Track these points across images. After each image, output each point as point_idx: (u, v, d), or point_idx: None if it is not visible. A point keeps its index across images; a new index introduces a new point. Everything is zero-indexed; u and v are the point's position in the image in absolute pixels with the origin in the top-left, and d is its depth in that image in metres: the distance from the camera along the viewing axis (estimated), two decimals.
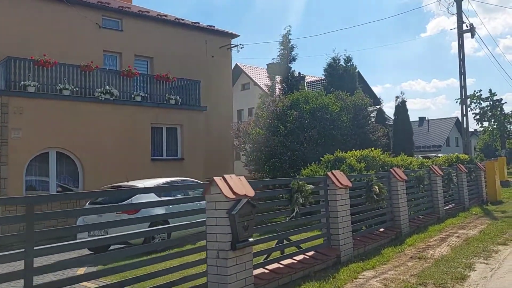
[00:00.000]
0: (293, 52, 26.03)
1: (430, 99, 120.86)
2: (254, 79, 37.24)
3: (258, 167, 16.30)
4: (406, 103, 22.89)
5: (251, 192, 5.23)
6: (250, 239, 5.14)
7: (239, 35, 24.41)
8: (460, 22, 19.40)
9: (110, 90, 16.19)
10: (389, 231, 9.23)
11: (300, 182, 6.53)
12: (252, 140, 16.36)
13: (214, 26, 23.23)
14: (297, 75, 25.35)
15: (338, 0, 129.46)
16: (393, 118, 22.76)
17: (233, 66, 27.35)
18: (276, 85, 26.03)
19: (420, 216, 10.97)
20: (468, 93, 20.83)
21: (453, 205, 13.41)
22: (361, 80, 34.28)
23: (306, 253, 6.72)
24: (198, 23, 22.66)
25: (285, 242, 6.57)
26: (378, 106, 23.55)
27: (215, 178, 5.04)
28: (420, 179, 10.70)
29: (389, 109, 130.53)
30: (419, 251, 7.70)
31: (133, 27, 19.84)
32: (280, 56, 26.06)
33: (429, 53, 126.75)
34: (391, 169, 9.54)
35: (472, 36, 19.00)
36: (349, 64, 22.99)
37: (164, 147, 18.31)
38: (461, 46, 19.18)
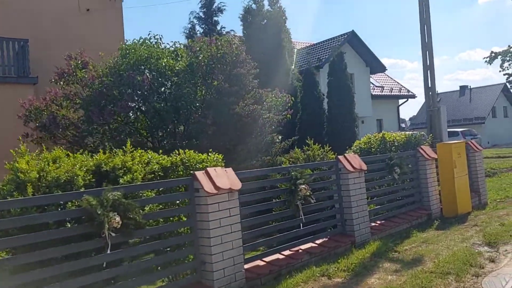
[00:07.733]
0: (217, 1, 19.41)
1: (492, 68, 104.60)
2: None
3: None
4: (344, 55, 14.93)
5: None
6: None
7: None
8: None
9: None
10: None
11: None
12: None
13: None
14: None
15: None
16: (327, 80, 14.91)
17: None
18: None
19: None
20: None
21: (323, 240, 6.48)
22: (359, 44, 25.93)
23: None
24: None
25: None
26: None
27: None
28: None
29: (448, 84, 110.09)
30: None
31: None
32: (202, 7, 19.52)
33: (487, 21, 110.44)
34: None
35: None
36: (275, 7, 15.78)
37: None
38: None
